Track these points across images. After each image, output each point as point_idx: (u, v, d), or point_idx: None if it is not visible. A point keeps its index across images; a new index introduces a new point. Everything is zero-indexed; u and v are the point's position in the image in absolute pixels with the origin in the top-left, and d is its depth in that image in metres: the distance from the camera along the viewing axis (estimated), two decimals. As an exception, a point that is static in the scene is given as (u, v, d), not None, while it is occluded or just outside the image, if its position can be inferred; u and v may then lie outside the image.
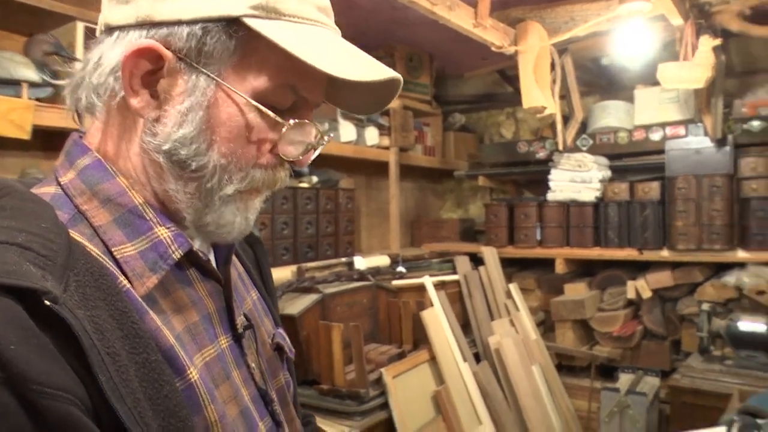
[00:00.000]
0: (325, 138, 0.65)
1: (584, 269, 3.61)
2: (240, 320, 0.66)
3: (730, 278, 2.93)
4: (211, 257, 0.68)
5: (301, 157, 0.64)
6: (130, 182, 0.60)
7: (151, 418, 0.48)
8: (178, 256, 0.59)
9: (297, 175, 2.93)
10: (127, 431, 0.46)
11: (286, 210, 2.81)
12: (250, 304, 0.72)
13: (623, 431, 2.73)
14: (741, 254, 2.93)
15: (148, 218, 0.59)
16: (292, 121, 0.61)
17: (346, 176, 3.38)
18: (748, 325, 2.57)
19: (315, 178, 3.04)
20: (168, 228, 0.60)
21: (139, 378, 0.49)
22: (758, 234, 2.87)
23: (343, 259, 2.83)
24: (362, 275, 2.71)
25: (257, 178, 0.62)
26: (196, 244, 0.64)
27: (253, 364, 0.66)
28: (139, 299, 0.55)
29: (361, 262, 2.84)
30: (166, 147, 0.58)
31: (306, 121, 0.63)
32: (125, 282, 0.55)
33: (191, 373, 0.55)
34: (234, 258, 0.72)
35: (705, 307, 2.68)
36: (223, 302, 0.65)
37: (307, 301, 2.35)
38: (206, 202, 0.61)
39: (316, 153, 0.67)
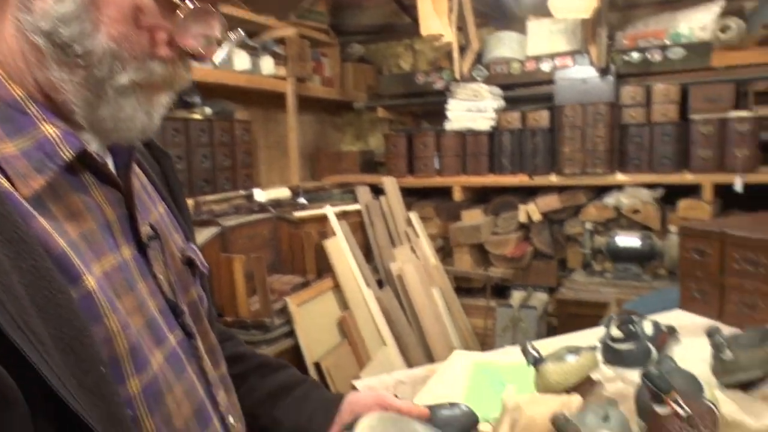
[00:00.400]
0: (234, 35, 0.60)
1: (480, 196, 3.76)
2: (144, 230, 0.61)
3: (610, 199, 3.16)
4: (109, 162, 0.62)
5: (203, 51, 0.58)
6: (6, 71, 0.53)
7: (40, 326, 0.44)
8: (69, 157, 0.53)
9: (186, 105, 2.78)
10: (9, 338, 0.42)
11: (179, 143, 2.67)
12: (157, 216, 0.67)
13: (516, 342, 2.94)
14: (620, 177, 3.16)
15: (30, 113, 0.52)
16: (189, 3, 0.54)
17: (241, 108, 3.25)
18: (624, 240, 2.81)
19: (208, 110, 2.89)
20: (55, 125, 0.53)
21: (25, 285, 0.45)
22: (635, 158, 3.10)
23: (242, 192, 2.75)
24: (263, 207, 2.65)
25: (156, 72, 0.56)
26: (92, 147, 0.57)
27: (160, 276, 0.61)
28: (24, 203, 0.49)
29: (261, 195, 2.78)
30: (45, 26, 0.51)
31: (207, 6, 0.57)
32: (5, 184, 0.49)
33: (87, 280, 0.50)
34: (137, 168, 0.66)
35: (588, 226, 2.89)
36: (124, 210, 0.59)
37: (206, 234, 2.27)
38: (98, 93, 0.54)
39: (224, 52, 0.61)
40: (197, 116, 2.79)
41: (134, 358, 0.51)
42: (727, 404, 1.11)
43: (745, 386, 1.17)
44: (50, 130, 0.53)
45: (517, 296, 3.23)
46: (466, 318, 3.37)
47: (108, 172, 0.59)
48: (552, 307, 3.17)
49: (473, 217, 3.53)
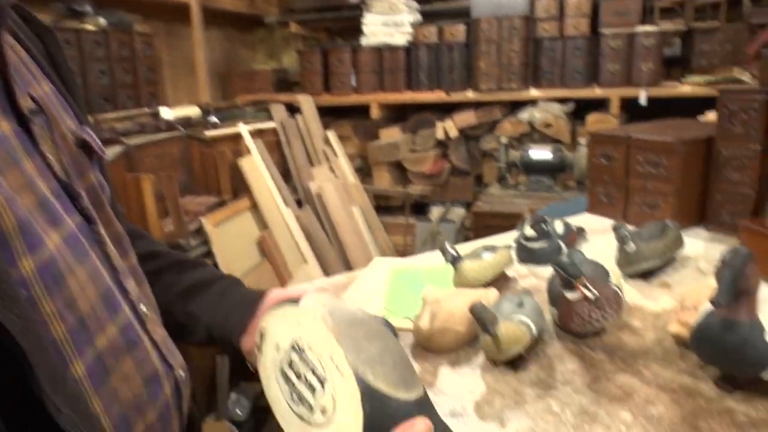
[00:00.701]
0: None
1: (397, 114, 3.73)
2: (25, 102, 0.53)
3: (524, 114, 3.22)
4: None
5: None
6: None
7: None
8: None
9: (76, 15, 2.51)
10: None
11: (71, 56, 2.43)
12: (41, 93, 0.58)
13: (434, 256, 3.02)
14: (533, 92, 3.21)
15: None
16: None
17: (140, 20, 2.99)
18: (537, 153, 2.89)
19: (102, 20, 2.63)
20: None
21: None
22: (548, 72, 3.15)
23: (147, 110, 2.58)
24: (171, 126, 2.50)
25: None
26: None
27: (49, 155, 0.54)
28: None
29: (168, 113, 2.61)
30: None
31: None
32: None
33: None
34: (12, 40, 0.57)
35: (503, 141, 2.95)
36: None
37: (109, 153, 2.12)
38: None
39: None
40: (90, 27, 2.54)
41: (25, 236, 0.46)
42: (630, 292, 1.19)
43: (646, 276, 1.25)
44: None
45: (435, 212, 3.29)
46: (386, 235, 3.42)
47: None
48: (469, 221, 3.25)
49: (391, 135, 3.51)
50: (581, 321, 0.95)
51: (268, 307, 0.75)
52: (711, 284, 1.03)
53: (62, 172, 0.55)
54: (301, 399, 0.56)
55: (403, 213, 3.49)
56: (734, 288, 0.74)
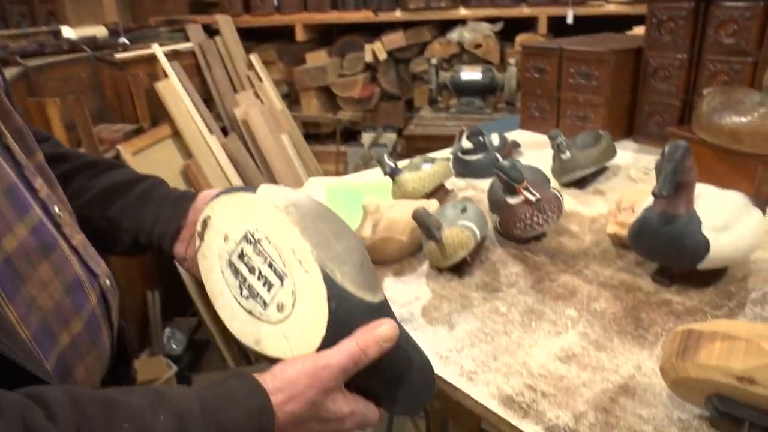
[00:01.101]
0: None
1: (324, 37, 3.57)
2: None
3: (454, 35, 3.16)
4: None
5: None
6: None
7: None
8: None
9: None
10: None
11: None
12: None
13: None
14: (463, 11, 3.14)
15: None
16: None
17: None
18: (467, 74, 2.85)
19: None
20: None
21: None
22: (477, -10, 3.08)
23: (45, 28, 2.32)
24: (75, 46, 2.28)
25: None
26: None
27: None
28: None
29: (70, 32, 2.37)
30: None
31: None
32: None
33: None
34: None
35: (433, 61, 2.88)
36: None
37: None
38: None
39: None
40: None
41: None
42: (567, 200, 1.20)
43: (580, 184, 1.26)
44: None
45: (366, 137, 3.23)
46: (317, 163, 3.34)
47: None
48: (401, 145, 3.22)
49: (318, 58, 3.37)
50: (523, 225, 0.94)
51: (201, 209, 0.68)
52: (644, 189, 1.05)
53: None
54: (253, 294, 0.52)
55: (333, 140, 3.40)
56: (675, 179, 0.74)
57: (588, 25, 2.84)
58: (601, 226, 1.05)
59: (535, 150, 1.54)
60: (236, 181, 2.58)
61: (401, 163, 1.26)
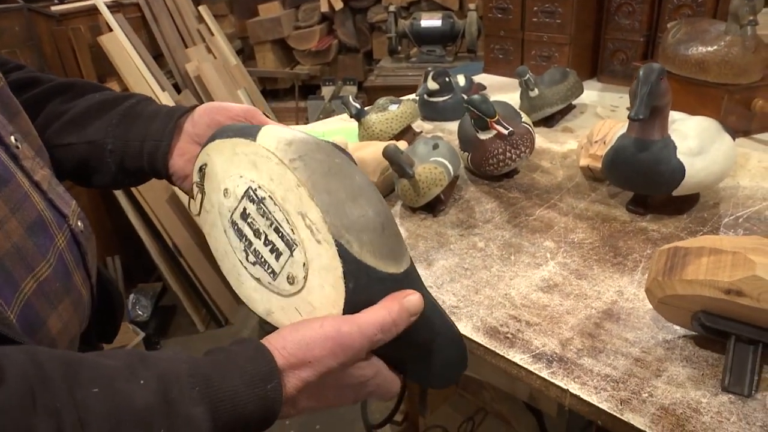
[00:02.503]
0: None
1: (276, -12, 3.43)
2: None
3: (411, -19, 3.07)
4: None
5: None
6: None
7: None
8: None
9: None
10: None
11: None
12: None
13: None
14: (419, -44, 3.05)
15: None
16: None
17: None
18: (427, 22, 2.78)
19: None
20: None
21: None
22: (433, -66, 2.98)
23: (-27, -21, 2.15)
24: (7, -2, 2.11)
25: None
26: None
27: None
28: None
29: (0, -16, 2.20)
30: None
31: None
32: None
33: None
34: None
35: (392, 9, 2.80)
36: None
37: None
38: None
39: None
40: None
41: None
42: (536, 137, 1.18)
43: (549, 122, 1.25)
44: None
45: (326, 90, 3.15)
46: (277, 120, 3.24)
47: None
48: (362, 98, 3.15)
49: (271, 10, 3.24)
50: (496, 161, 0.92)
51: (201, 122, 0.57)
52: (614, 123, 1.04)
53: None
54: (260, 260, 0.44)
55: (292, 96, 3.31)
56: (650, 102, 0.72)
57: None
58: (572, 161, 1.04)
59: (501, 93, 1.51)
60: (193, 139, 2.49)
61: (367, 108, 1.22)
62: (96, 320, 0.54)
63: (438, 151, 0.88)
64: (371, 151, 0.93)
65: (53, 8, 2.24)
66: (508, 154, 0.91)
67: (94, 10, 2.34)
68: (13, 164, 0.46)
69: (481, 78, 1.69)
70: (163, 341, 2.35)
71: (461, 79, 1.37)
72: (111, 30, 2.34)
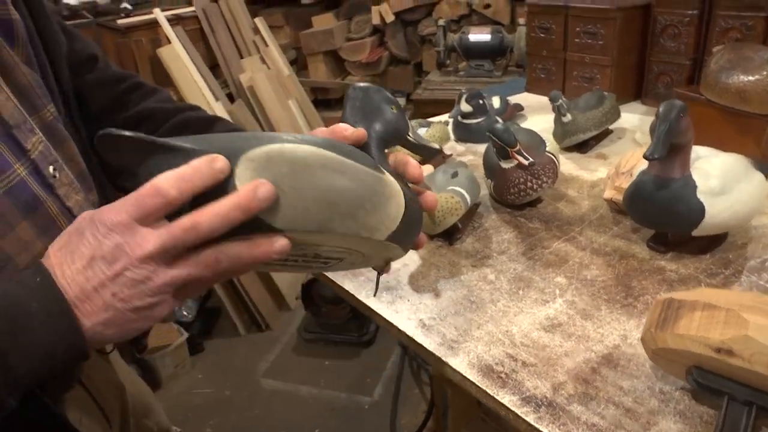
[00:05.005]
0: None
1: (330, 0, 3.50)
2: None
3: (463, -5, 3.07)
4: None
5: None
6: None
7: None
8: None
9: None
10: None
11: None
12: None
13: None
14: (472, -30, 3.05)
15: None
16: None
17: None
18: (476, 36, 2.77)
19: None
20: None
21: None
22: (487, -52, 2.98)
23: (47, -5, 2.30)
24: (76, 13, 2.25)
25: None
26: None
27: None
28: None
29: (71, -2, 2.34)
30: None
31: None
32: None
33: None
34: None
35: (441, 22, 2.81)
36: None
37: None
38: None
39: None
40: None
41: None
42: (566, 163, 1.17)
43: (582, 148, 1.23)
44: None
45: (374, 102, 3.18)
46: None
47: None
48: (410, 111, 3.17)
49: (325, 22, 3.31)
50: (517, 190, 0.92)
51: None
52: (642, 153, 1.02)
53: None
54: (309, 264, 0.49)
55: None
56: (668, 141, 0.71)
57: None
58: (599, 191, 1.02)
59: (539, 113, 1.50)
60: (242, 148, 2.57)
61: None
62: None
63: (457, 179, 0.89)
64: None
65: (119, 21, 2.37)
66: (530, 184, 0.91)
67: (155, 23, 2.46)
68: (44, 192, 0.51)
69: (522, 97, 1.68)
70: (206, 342, 2.43)
71: (496, 101, 1.37)
72: (170, 42, 2.45)
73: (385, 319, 0.72)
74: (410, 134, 0.54)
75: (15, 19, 0.54)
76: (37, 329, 0.38)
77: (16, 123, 0.51)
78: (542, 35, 1.63)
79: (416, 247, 0.52)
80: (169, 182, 0.37)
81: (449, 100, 2.72)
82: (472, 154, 1.26)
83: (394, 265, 0.84)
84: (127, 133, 0.38)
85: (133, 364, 2.12)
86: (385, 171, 0.46)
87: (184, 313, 2.44)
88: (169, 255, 0.39)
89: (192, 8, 2.74)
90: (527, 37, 1.71)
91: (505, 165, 0.92)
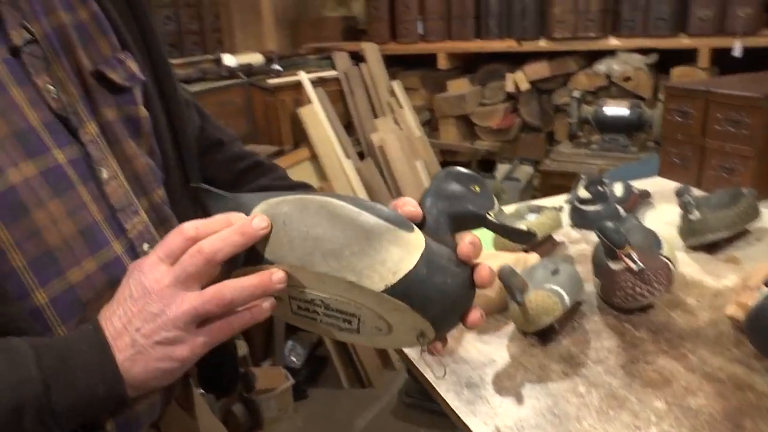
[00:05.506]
0: None
1: (466, 65, 3.57)
2: (16, 33, 0.53)
3: (601, 66, 3.00)
4: None
5: None
6: None
7: None
8: None
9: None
10: None
11: (139, 2, 2.46)
12: (65, 21, 0.57)
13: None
14: (613, 41, 2.97)
15: None
16: None
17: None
18: (613, 109, 2.69)
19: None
20: None
21: None
22: (629, 20, 2.90)
23: (209, 57, 2.59)
24: (233, 73, 2.51)
25: None
26: None
27: (47, 85, 0.54)
28: None
29: (230, 60, 2.61)
30: None
31: None
32: None
33: None
34: None
35: (576, 94, 2.76)
36: None
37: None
38: None
39: None
40: (157, -27, 2.56)
41: None
42: (689, 265, 1.08)
43: (711, 248, 1.13)
44: None
45: (502, 168, 3.17)
46: (449, 191, 3.33)
47: None
48: (537, 180, 3.11)
49: (459, 86, 3.38)
50: (624, 295, 0.86)
51: None
52: (783, 262, 0.92)
53: (60, 104, 0.54)
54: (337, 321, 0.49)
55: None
56: (799, 270, 0.64)
57: (760, 58, 2.55)
58: (723, 303, 0.93)
59: (668, 202, 1.41)
60: (365, 205, 2.66)
61: (508, 209, 1.23)
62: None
63: (557, 277, 0.86)
64: (497, 263, 0.93)
65: (269, 81, 2.60)
66: (638, 290, 0.86)
67: (300, 85, 2.67)
68: (128, 259, 0.56)
69: (653, 182, 1.59)
70: (310, 390, 2.49)
71: (618, 189, 1.31)
72: (310, 102, 2.64)
73: (460, 420, 0.70)
74: (490, 214, 0.52)
75: (143, 117, 0.62)
76: (77, 358, 0.46)
77: (121, 206, 0.57)
78: (679, 119, 1.55)
79: (466, 324, 0.50)
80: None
81: (577, 174, 2.64)
82: (586, 243, 1.21)
83: (480, 358, 0.82)
84: (204, 186, 0.52)
85: (240, 402, 2.22)
86: (415, 230, 0.47)
87: (293, 359, 2.52)
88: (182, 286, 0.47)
89: (335, 72, 2.94)
90: (663, 120, 1.63)
91: (613, 266, 0.87)
